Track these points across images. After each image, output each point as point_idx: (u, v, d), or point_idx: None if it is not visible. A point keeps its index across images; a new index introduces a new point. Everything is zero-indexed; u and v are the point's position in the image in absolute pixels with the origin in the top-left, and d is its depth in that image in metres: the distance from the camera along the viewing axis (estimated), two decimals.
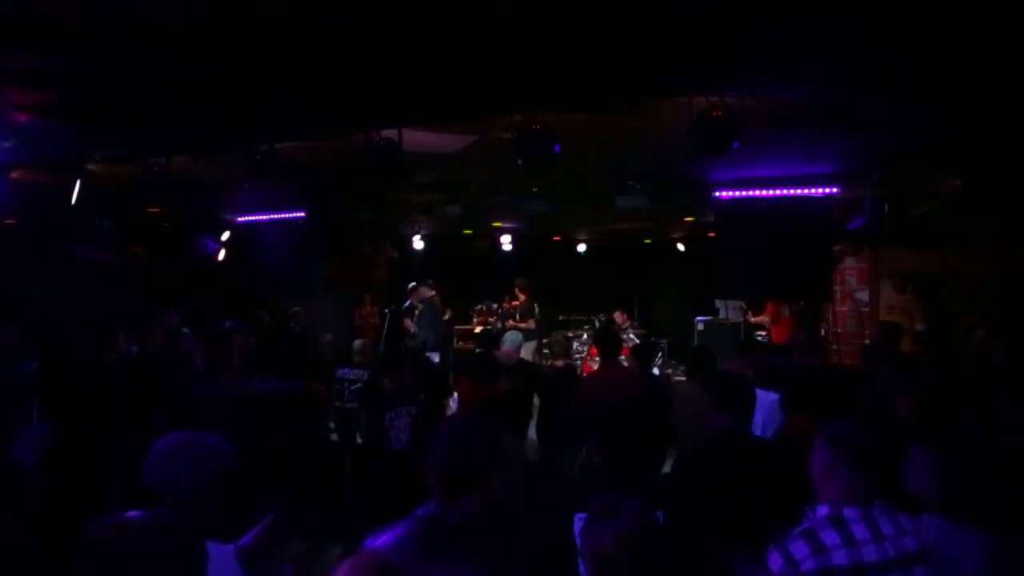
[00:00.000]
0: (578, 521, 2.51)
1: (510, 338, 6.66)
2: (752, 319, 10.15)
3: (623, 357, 7.41)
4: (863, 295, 10.11)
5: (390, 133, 5.26)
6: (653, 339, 11.16)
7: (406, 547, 1.94)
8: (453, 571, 1.95)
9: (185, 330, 7.69)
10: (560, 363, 6.83)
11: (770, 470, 3.16)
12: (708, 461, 3.33)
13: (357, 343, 7.37)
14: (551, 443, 5.98)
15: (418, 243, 12.32)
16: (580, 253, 14.12)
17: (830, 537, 2.25)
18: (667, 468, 6.14)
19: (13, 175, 6.79)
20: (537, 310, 11.21)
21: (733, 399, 3.38)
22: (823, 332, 10.34)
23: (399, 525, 2.01)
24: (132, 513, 1.78)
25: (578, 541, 2.53)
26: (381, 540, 1.99)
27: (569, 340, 7.35)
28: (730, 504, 2.99)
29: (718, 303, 11.20)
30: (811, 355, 8.58)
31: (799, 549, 2.23)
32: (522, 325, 10.91)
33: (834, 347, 10.14)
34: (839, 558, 2.21)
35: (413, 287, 10.95)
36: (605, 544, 1.99)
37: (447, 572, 1.94)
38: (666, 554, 2.04)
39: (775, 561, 2.24)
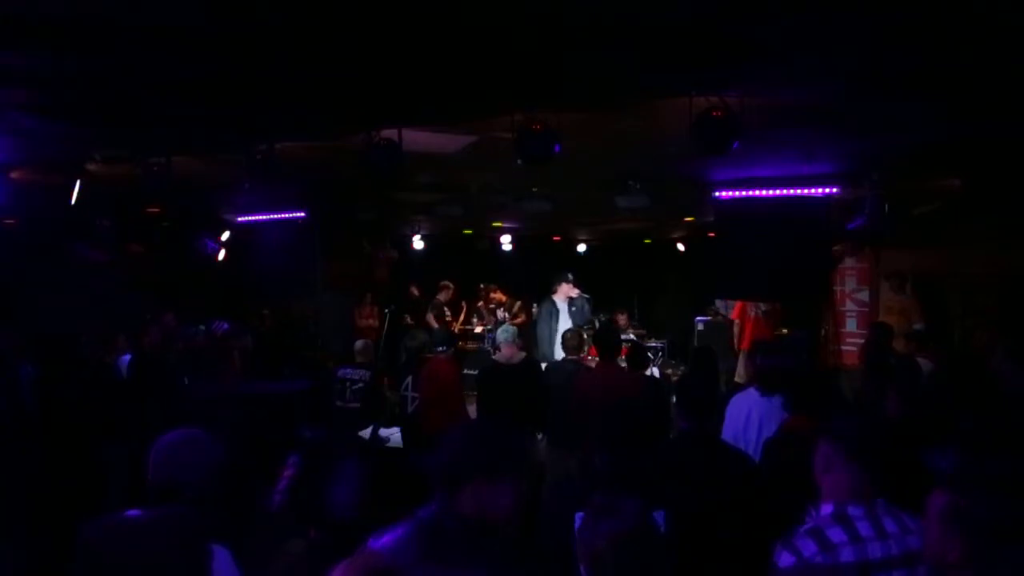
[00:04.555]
0: (579, 520, 2.51)
1: (503, 335, 6.38)
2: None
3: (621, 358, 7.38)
4: (863, 295, 10.10)
5: (390, 133, 5.26)
6: (649, 342, 11.13)
7: (407, 548, 1.94)
8: (453, 572, 1.95)
9: (201, 327, 7.69)
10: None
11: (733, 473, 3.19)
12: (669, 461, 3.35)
13: (358, 343, 7.38)
14: (554, 443, 5.99)
15: (418, 243, 12.34)
16: (580, 253, 14.12)
17: (836, 534, 2.25)
18: None
19: (13, 175, 6.78)
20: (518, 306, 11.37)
21: (694, 402, 3.39)
22: (823, 332, 10.34)
23: (400, 525, 2.01)
24: (132, 512, 1.78)
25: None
26: (382, 540, 1.99)
27: (582, 338, 7.27)
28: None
29: (718, 303, 11.20)
30: (807, 354, 8.59)
31: (807, 547, 2.23)
32: (517, 321, 10.99)
33: (834, 347, 10.14)
34: (846, 555, 2.22)
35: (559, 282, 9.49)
36: (599, 543, 1.99)
37: (447, 573, 1.94)
38: (661, 554, 2.03)
39: (785, 559, 2.25)
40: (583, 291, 9.43)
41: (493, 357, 6.90)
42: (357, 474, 2.73)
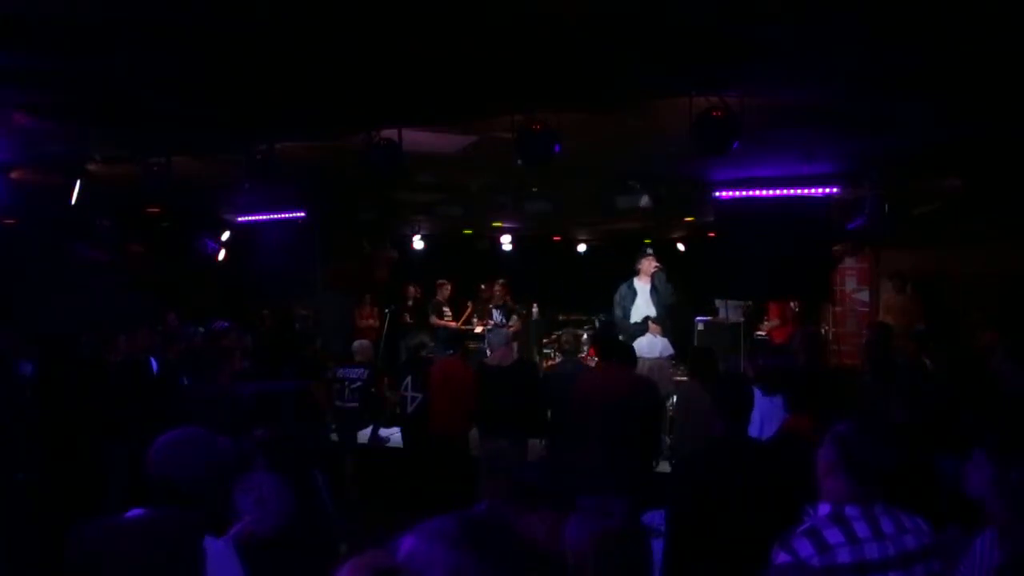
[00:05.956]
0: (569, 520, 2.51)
1: (495, 339, 6.27)
2: (761, 329, 10.05)
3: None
4: (863, 295, 10.10)
5: (390, 133, 5.27)
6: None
7: (434, 542, 1.91)
8: (459, 567, 1.92)
9: (200, 328, 7.68)
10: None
11: (768, 474, 3.16)
12: (707, 464, 3.32)
13: (355, 343, 7.39)
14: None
15: (418, 243, 12.34)
16: (580, 253, 14.12)
17: (833, 535, 2.25)
18: (665, 467, 6.16)
19: (13, 175, 6.79)
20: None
21: (731, 403, 3.36)
22: (823, 332, 10.33)
23: (439, 520, 1.98)
24: (131, 513, 1.78)
25: None
26: (411, 536, 1.95)
27: (579, 339, 7.20)
28: (728, 508, 2.99)
29: (718, 303, 11.19)
30: (810, 355, 8.56)
31: (804, 547, 2.23)
32: (512, 329, 10.93)
33: (834, 347, 10.14)
34: (843, 556, 2.22)
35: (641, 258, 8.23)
36: (583, 543, 1.98)
37: (456, 569, 1.92)
38: (645, 555, 2.03)
39: (782, 559, 2.25)
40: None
41: (484, 360, 6.70)
42: (273, 489, 2.54)
